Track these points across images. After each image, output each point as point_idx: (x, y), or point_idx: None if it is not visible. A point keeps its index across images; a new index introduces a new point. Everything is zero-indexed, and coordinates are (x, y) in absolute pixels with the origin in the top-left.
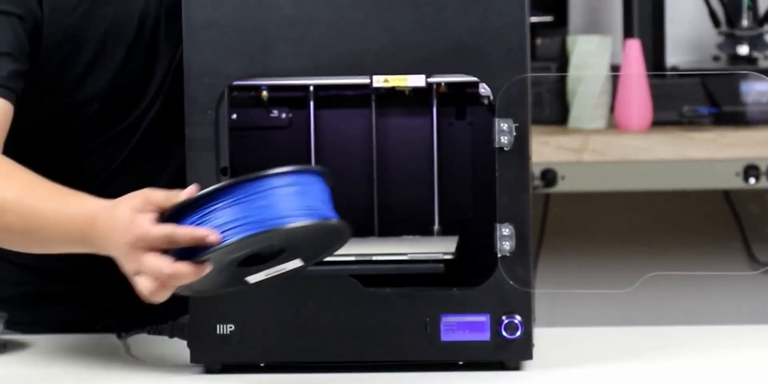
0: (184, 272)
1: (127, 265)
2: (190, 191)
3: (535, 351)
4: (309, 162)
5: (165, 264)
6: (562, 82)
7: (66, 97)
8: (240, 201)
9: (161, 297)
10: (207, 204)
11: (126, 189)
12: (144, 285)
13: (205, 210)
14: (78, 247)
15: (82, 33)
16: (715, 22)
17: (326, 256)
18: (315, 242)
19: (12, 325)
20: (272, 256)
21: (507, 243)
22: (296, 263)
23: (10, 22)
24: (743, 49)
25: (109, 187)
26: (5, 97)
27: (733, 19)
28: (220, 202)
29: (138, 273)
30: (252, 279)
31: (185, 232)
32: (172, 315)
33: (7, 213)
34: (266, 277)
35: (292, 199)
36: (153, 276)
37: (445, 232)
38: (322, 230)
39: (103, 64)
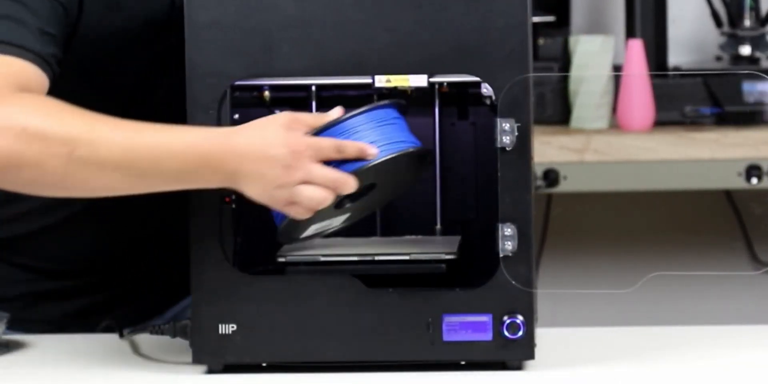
0: (350, 181)
1: (292, 176)
2: (338, 111)
3: (537, 351)
4: None
5: (334, 171)
6: (564, 82)
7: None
8: (386, 123)
9: (320, 206)
10: (359, 123)
11: None
12: (314, 192)
13: (355, 129)
14: (189, 176)
15: (102, 37)
16: (718, 22)
17: (385, 202)
18: (399, 182)
19: (14, 324)
20: (358, 196)
21: (509, 243)
22: (340, 220)
23: (54, 7)
24: (745, 50)
25: None
26: (46, 73)
27: (735, 20)
28: (373, 122)
29: (305, 182)
30: (312, 230)
31: (351, 143)
32: (166, 304)
33: (101, 147)
34: (315, 232)
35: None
36: (323, 183)
37: (447, 232)
38: (420, 164)
39: (123, 67)
